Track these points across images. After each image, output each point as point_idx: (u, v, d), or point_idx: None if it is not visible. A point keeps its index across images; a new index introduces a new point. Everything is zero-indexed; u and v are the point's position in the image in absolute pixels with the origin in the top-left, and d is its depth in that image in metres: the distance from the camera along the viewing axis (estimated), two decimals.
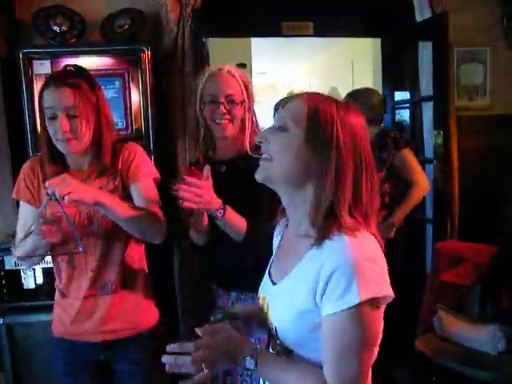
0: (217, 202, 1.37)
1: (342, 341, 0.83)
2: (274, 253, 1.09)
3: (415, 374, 2.53)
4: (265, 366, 0.89)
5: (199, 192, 1.30)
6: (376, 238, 0.91)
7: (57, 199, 1.19)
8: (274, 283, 1.01)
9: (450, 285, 2.39)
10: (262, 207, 1.37)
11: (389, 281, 0.87)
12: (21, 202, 1.45)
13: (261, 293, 1.06)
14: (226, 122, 1.53)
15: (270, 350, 1.01)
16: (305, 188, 0.91)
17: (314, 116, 0.89)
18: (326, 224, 0.88)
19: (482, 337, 2.16)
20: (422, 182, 2.41)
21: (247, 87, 1.56)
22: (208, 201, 1.34)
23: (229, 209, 1.39)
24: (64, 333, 1.46)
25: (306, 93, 0.95)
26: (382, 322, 0.89)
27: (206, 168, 1.36)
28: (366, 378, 0.86)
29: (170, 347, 0.90)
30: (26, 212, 1.43)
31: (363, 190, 0.90)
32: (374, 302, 0.83)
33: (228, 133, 1.54)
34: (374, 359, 0.88)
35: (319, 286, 0.86)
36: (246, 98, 1.54)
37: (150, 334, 1.49)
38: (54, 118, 1.33)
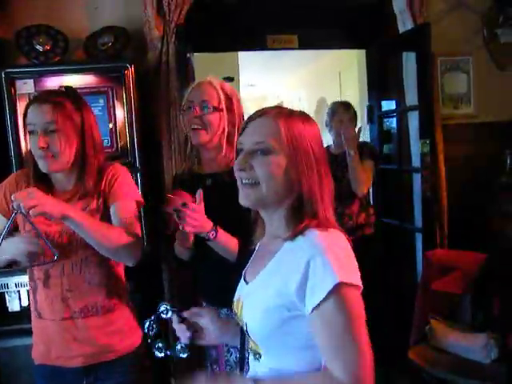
0: (209, 224, 1.36)
1: (334, 325, 0.84)
2: (252, 257, 1.11)
3: None
4: None
5: (194, 215, 1.31)
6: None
7: (23, 212, 1.19)
8: (247, 283, 1.03)
9: (441, 294, 2.39)
10: (248, 221, 1.36)
11: (358, 275, 0.89)
12: None
13: (236, 296, 1.06)
14: (199, 127, 1.52)
15: (247, 349, 1.02)
16: (286, 200, 0.95)
17: (291, 135, 0.94)
18: (300, 222, 0.92)
19: (474, 346, 2.15)
20: (367, 187, 2.60)
21: (230, 99, 1.55)
22: (202, 224, 1.35)
23: (220, 230, 1.39)
24: (43, 358, 1.43)
25: (270, 110, 0.98)
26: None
27: (199, 192, 1.36)
28: (369, 356, 0.85)
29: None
30: None
31: (329, 191, 0.97)
32: (352, 287, 0.86)
33: (201, 139, 1.53)
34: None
35: (294, 277, 0.87)
36: (225, 108, 1.53)
37: (135, 354, 1.46)
38: (34, 134, 1.33)
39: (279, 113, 0.97)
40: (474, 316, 2.36)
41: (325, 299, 0.83)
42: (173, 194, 1.42)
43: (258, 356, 0.98)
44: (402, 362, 2.32)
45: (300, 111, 1.00)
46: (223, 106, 1.53)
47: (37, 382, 1.46)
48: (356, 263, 0.90)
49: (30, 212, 1.18)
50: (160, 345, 1.09)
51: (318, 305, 0.84)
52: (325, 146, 2.79)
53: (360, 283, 0.87)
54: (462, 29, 2.78)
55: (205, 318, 1.09)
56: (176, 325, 1.09)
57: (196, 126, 1.52)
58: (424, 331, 2.34)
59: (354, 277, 0.86)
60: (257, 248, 1.10)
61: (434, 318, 2.33)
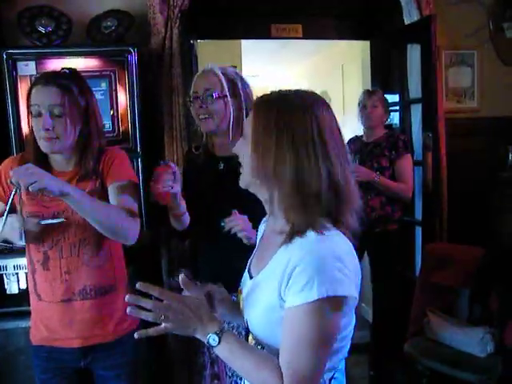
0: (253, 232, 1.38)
1: (298, 334, 0.84)
2: (256, 246, 1.10)
3: (405, 376, 2.53)
4: (226, 346, 0.89)
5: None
6: (347, 236, 0.91)
7: (18, 187, 1.18)
8: (251, 277, 1.02)
9: (440, 287, 2.40)
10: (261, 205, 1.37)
11: (356, 281, 0.88)
12: None
13: (240, 287, 1.07)
14: (206, 116, 1.53)
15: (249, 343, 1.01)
16: (274, 188, 0.91)
17: (257, 123, 0.91)
18: (298, 221, 0.89)
19: (471, 339, 2.16)
20: (410, 189, 2.56)
21: (234, 84, 1.55)
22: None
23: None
24: (42, 339, 1.43)
25: (261, 98, 0.95)
26: (346, 321, 0.90)
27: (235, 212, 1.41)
28: (319, 374, 0.87)
29: (139, 285, 0.91)
30: None
31: (328, 186, 0.88)
32: (334, 300, 0.83)
33: (209, 128, 1.55)
34: (342, 352, 0.91)
35: (284, 280, 0.86)
36: (227, 93, 1.53)
37: (132, 337, 1.46)
38: (38, 115, 1.31)
39: (258, 101, 0.94)
40: (471, 310, 2.37)
41: (299, 306, 0.83)
42: (160, 168, 1.42)
43: (259, 347, 0.98)
44: (398, 354, 2.34)
45: (301, 95, 0.93)
46: (226, 92, 1.53)
47: (34, 363, 1.46)
48: (353, 269, 0.87)
49: (30, 188, 1.17)
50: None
51: (292, 307, 0.84)
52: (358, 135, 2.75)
53: (349, 293, 0.84)
54: (468, 22, 2.76)
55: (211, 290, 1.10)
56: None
57: (202, 116, 1.54)
58: (421, 324, 2.35)
59: (341, 288, 0.83)
60: (260, 236, 1.09)
61: (432, 311, 2.34)
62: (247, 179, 0.95)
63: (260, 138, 0.90)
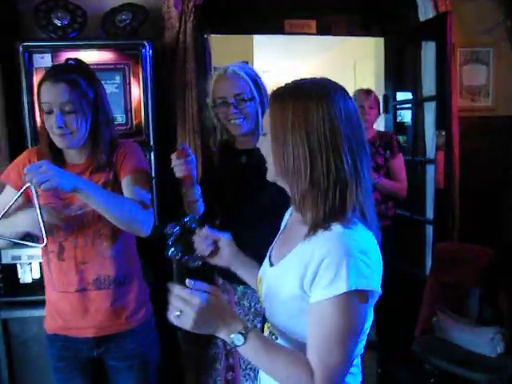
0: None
1: (327, 328, 0.84)
2: (279, 233, 1.10)
3: (413, 375, 2.52)
4: (253, 345, 0.86)
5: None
6: (373, 233, 0.91)
7: (34, 187, 1.20)
8: (271, 265, 1.02)
9: (450, 286, 2.39)
10: (283, 199, 1.38)
11: (380, 277, 0.87)
12: (7, 186, 1.43)
13: (260, 272, 1.07)
14: (240, 120, 1.56)
15: (265, 331, 1.02)
16: (293, 184, 0.91)
17: (274, 120, 0.91)
18: (314, 216, 0.89)
19: (480, 339, 2.15)
20: (406, 188, 2.62)
21: (257, 82, 1.58)
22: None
23: None
24: (56, 328, 1.45)
25: (276, 92, 0.94)
26: (370, 315, 0.90)
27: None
28: (348, 367, 0.87)
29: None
30: (7, 196, 1.39)
31: (354, 183, 0.89)
32: (361, 294, 0.83)
33: (243, 130, 1.57)
34: (358, 347, 0.90)
35: (308, 272, 0.86)
36: (255, 93, 1.56)
37: (144, 328, 1.48)
38: (50, 112, 1.32)
39: (273, 96, 0.94)
40: (481, 310, 2.35)
41: (327, 299, 0.83)
42: (178, 152, 1.45)
43: (273, 336, 0.99)
44: (406, 353, 2.33)
45: (315, 87, 0.91)
46: (255, 93, 1.56)
47: (48, 352, 1.48)
48: (378, 264, 0.88)
49: (42, 186, 1.18)
50: (179, 247, 1.12)
51: (320, 301, 0.84)
52: None
53: (375, 287, 0.85)
54: (484, 19, 2.72)
55: (223, 240, 1.14)
56: (197, 236, 1.13)
57: (236, 121, 1.56)
58: (430, 323, 2.34)
59: (368, 282, 0.83)
60: (284, 225, 1.10)
61: (442, 310, 2.33)
62: (272, 174, 0.96)
63: (277, 135, 0.90)
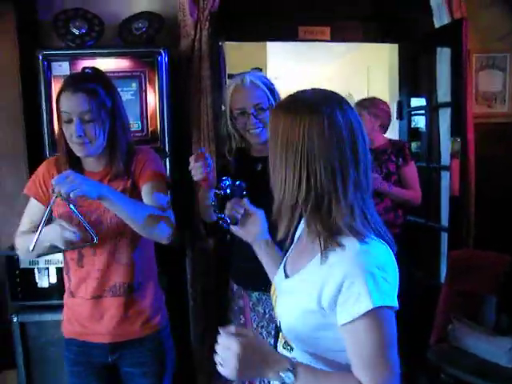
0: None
1: (365, 346, 0.85)
2: (294, 242, 1.10)
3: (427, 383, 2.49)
4: (304, 379, 0.87)
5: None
6: (389, 245, 0.91)
7: (63, 196, 1.22)
8: (286, 276, 1.02)
9: (465, 294, 2.36)
10: None
11: (397, 291, 0.88)
12: (31, 199, 1.47)
13: (274, 281, 1.08)
14: (260, 129, 1.58)
15: (278, 344, 1.03)
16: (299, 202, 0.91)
17: (276, 131, 0.91)
18: (336, 229, 0.89)
19: (497, 349, 2.12)
20: (420, 196, 2.58)
21: (272, 90, 1.60)
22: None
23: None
24: (73, 333, 1.47)
25: (277, 106, 0.99)
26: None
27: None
28: (397, 370, 0.87)
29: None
30: (33, 209, 1.45)
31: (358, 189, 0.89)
32: (384, 310, 0.85)
33: (263, 138, 1.59)
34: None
35: (327, 290, 0.87)
36: (272, 101, 1.58)
37: (159, 336, 1.49)
38: (69, 121, 1.34)
39: (279, 106, 0.95)
40: (498, 318, 2.32)
41: (356, 319, 0.84)
42: (197, 156, 1.46)
43: (288, 348, 0.99)
44: (421, 361, 2.30)
45: (309, 97, 0.91)
46: (272, 101, 1.59)
47: (65, 355, 1.50)
48: (395, 278, 0.88)
49: (71, 195, 1.21)
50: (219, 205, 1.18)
51: (349, 322, 0.85)
52: None
53: (395, 303, 0.86)
54: (500, 25, 2.70)
55: (255, 216, 1.16)
56: (234, 202, 1.16)
57: (256, 130, 1.58)
58: (446, 331, 2.31)
59: (389, 298, 0.85)
60: (298, 236, 1.09)
61: (457, 318, 2.30)
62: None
63: (271, 146, 0.93)
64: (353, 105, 0.99)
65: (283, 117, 0.89)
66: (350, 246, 0.87)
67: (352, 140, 0.88)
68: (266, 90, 1.58)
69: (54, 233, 1.29)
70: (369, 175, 0.92)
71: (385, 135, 2.78)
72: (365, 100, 2.76)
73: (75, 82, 1.37)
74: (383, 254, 0.89)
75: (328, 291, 0.86)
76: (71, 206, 1.28)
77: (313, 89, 0.94)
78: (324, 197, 0.88)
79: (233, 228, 1.17)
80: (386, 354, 0.85)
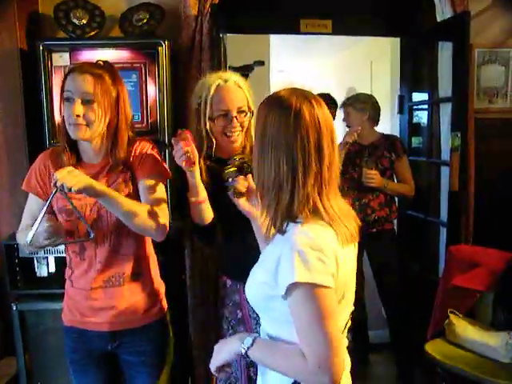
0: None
1: (300, 318, 0.94)
2: None
3: (424, 379, 2.50)
4: (258, 346, 1.02)
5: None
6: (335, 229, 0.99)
7: (64, 191, 1.23)
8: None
9: (463, 290, 2.36)
10: None
11: (332, 272, 0.94)
12: (30, 194, 1.48)
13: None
14: (238, 133, 1.54)
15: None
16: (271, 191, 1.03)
17: (257, 130, 1.04)
18: (289, 215, 0.99)
19: (493, 344, 2.13)
20: (413, 189, 2.71)
21: (250, 94, 1.58)
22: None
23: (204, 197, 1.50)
24: (73, 321, 1.49)
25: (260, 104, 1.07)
26: (338, 309, 0.98)
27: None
28: (337, 344, 0.92)
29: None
30: (33, 205, 1.46)
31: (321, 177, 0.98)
32: (315, 286, 0.92)
33: (239, 143, 1.57)
34: (339, 325, 0.99)
35: (272, 265, 0.98)
36: (251, 105, 1.56)
37: (158, 325, 1.51)
38: (70, 100, 1.35)
39: (261, 103, 1.05)
40: (495, 314, 2.33)
41: (287, 294, 0.93)
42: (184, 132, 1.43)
43: (260, 321, 1.12)
44: (418, 356, 2.32)
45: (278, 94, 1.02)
46: (250, 105, 1.56)
47: (65, 342, 1.52)
48: (332, 260, 0.95)
49: (73, 189, 1.23)
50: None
51: (285, 295, 0.94)
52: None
53: (327, 283, 0.93)
54: (503, 20, 2.68)
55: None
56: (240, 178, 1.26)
57: (236, 132, 1.53)
58: (442, 326, 2.32)
59: (321, 277, 0.92)
60: None
61: (454, 314, 2.31)
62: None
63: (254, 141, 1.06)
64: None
65: (261, 111, 1.02)
66: (294, 229, 0.98)
67: (317, 133, 0.97)
68: (247, 94, 1.54)
69: (45, 232, 1.29)
70: (334, 170, 1.00)
71: (379, 130, 2.81)
72: (348, 98, 2.86)
73: (83, 66, 1.39)
74: (323, 237, 0.96)
75: (270, 266, 0.98)
76: (71, 201, 1.29)
77: (290, 88, 1.04)
78: (283, 184, 0.97)
79: (239, 201, 1.25)
80: (321, 327, 0.91)
